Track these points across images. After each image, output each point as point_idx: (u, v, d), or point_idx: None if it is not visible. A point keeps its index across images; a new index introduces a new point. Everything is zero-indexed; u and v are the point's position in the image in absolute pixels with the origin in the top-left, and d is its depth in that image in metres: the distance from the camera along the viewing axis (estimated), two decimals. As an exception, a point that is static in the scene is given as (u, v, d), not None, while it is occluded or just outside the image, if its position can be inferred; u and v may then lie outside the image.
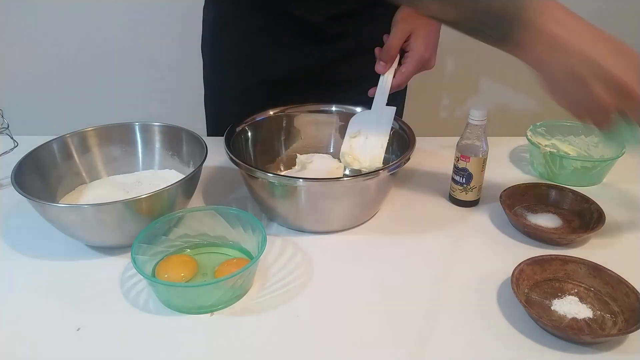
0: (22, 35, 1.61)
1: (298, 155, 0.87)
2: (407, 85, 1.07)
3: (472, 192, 0.80)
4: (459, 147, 0.78)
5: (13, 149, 0.86)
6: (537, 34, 0.56)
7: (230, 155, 0.73)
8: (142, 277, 0.60)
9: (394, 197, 0.83)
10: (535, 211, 0.79)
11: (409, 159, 0.73)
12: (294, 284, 0.65)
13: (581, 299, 0.62)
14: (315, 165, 0.83)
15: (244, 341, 0.57)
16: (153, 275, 0.64)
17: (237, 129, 0.81)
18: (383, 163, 0.84)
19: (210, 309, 0.61)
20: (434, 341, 0.57)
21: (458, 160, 0.78)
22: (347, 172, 0.87)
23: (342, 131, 0.88)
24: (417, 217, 0.79)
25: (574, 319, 0.59)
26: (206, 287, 0.61)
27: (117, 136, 0.83)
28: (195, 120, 1.09)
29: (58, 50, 1.63)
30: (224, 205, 0.79)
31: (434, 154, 0.95)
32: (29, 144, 0.77)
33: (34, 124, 1.33)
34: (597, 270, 0.64)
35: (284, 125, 0.88)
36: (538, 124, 0.95)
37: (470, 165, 0.77)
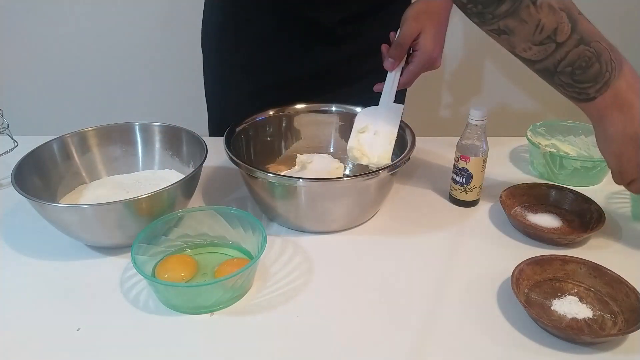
0: (22, 35, 1.61)
1: (298, 155, 0.87)
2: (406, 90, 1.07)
3: (472, 192, 0.80)
4: (459, 147, 0.78)
5: (13, 149, 0.86)
6: (612, 94, 0.61)
7: (230, 155, 0.73)
8: (142, 277, 0.60)
9: (394, 197, 0.83)
10: (535, 211, 0.79)
11: (409, 159, 0.73)
12: (294, 284, 0.65)
13: (581, 299, 0.62)
14: (315, 165, 0.83)
15: (243, 341, 0.57)
16: (153, 275, 0.64)
17: (237, 129, 0.81)
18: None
19: (210, 309, 0.61)
20: (434, 341, 0.57)
21: (458, 160, 0.78)
22: (347, 172, 0.87)
23: (342, 131, 0.89)
24: (417, 217, 0.79)
25: (574, 319, 0.59)
26: (206, 287, 0.61)
27: (117, 136, 0.83)
28: (196, 120, 1.09)
29: (58, 50, 1.63)
30: (224, 205, 0.79)
31: (434, 154, 0.95)
32: (29, 144, 0.77)
33: (34, 124, 1.33)
34: (597, 270, 0.64)
35: (284, 125, 0.88)
36: (538, 124, 0.95)
37: (470, 165, 0.77)
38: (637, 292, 0.59)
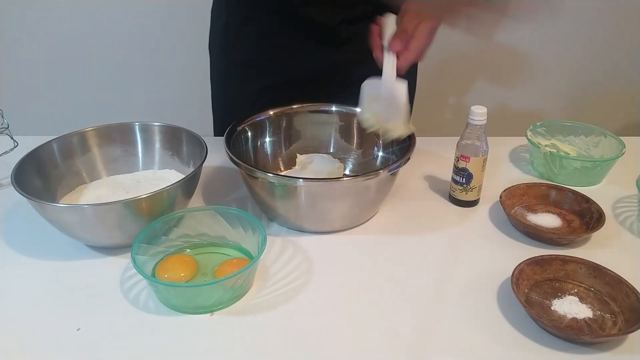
0: (22, 35, 1.61)
1: (298, 155, 0.87)
2: (415, 88, 1.07)
3: (472, 192, 0.80)
4: (459, 147, 0.78)
5: (13, 149, 0.86)
6: None
7: (230, 155, 0.73)
8: (142, 277, 0.60)
9: (394, 197, 0.83)
10: (535, 211, 0.79)
11: (409, 159, 0.73)
12: (294, 284, 0.65)
13: (581, 299, 0.62)
14: (315, 165, 0.83)
15: (243, 341, 0.57)
16: (153, 275, 0.64)
17: (237, 129, 0.81)
18: (382, 163, 0.85)
19: (210, 309, 0.61)
20: (434, 341, 0.57)
21: (458, 160, 0.78)
22: (347, 172, 0.87)
23: (342, 131, 0.89)
24: (417, 217, 0.79)
25: (574, 319, 0.59)
26: (206, 287, 0.61)
27: (117, 136, 0.83)
28: (196, 120, 1.09)
29: (58, 50, 1.63)
30: (224, 205, 0.79)
31: (434, 154, 0.95)
32: (29, 144, 0.77)
33: (34, 124, 1.33)
34: (597, 270, 0.64)
35: (284, 125, 0.88)
36: (538, 124, 0.95)
37: (470, 165, 0.77)
38: (637, 292, 0.59)
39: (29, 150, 0.75)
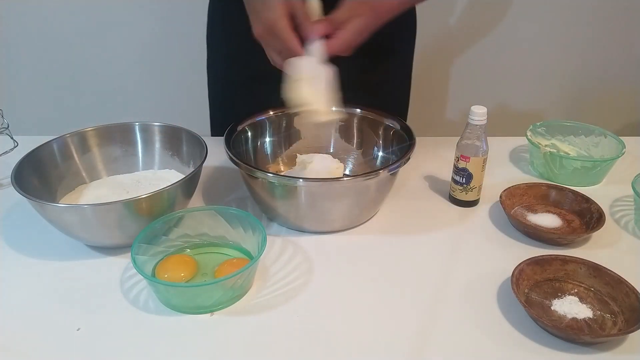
0: (22, 35, 1.61)
1: (298, 155, 0.87)
2: (410, 87, 1.07)
3: (472, 192, 0.80)
4: (459, 147, 0.78)
5: (13, 149, 0.86)
6: None
7: (230, 155, 0.73)
8: (142, 277, 0.60)
9: (394, 197, 0.83)
10: (535, 211, 0.79)
11: (409, 158, 0.73)
12: (294, 284, 0.65)
13: (581, 299, 0.62)
14: (316, 165, 0.83)
15: (244, 341, 0.57)
16: (153, 275, 0.64)
17: (237, 129, 0.81)
18: (382, 163, 0.85)
19: (210, 309, 0.61)
20: (434, 341, 0.57)
21: (458, 160, 0.78)
22: (347, 172, 0.87)
23: (342, 131, 0.89)
24: (417, 217, 0.79)
25: (574, 319, 0.59)
26: (206, 287, 0.61)
27: (117, 136, 0.83)
28: (196, 120, 1.09)
29: (58, 50, 1.63)
30: (224, 205, 0.79)
31: (434, 154, 0.95)
32: (29, 144, 0.77)
33: (34, 124, 1.33)
34: (597, 270, 0.64)
35: (284, 125, 0.88)
36: (538, 124, 0.95)
37: (470, 165, 0.77)
38: (637, 292, 0.59)
39: (29, 150, 0.75)
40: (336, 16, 0.75)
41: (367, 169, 0.85)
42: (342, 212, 0.74)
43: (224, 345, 0.57)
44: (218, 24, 0.98)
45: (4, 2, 1.54)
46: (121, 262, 0.68)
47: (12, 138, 0.87)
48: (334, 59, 0.92)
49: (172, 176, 0.82)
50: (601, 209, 0.75)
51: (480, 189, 0.81)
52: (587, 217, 0.77)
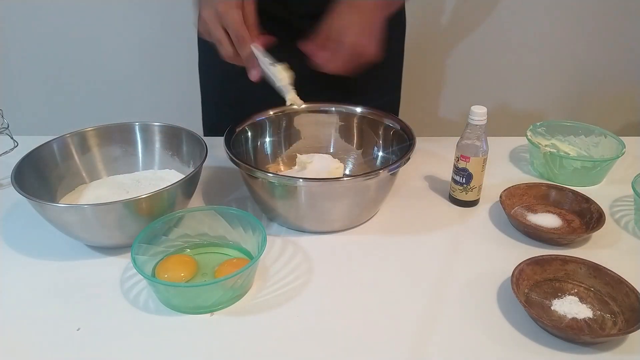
0: (22, 35, 1.61)
1: (298, 155, 0.87)
2: (401, 86, 1.07)
3: (472, 192, 0.80)
4: (459, 147, 0.78)
5: (13, 149, 0.86)
6: None
7: (230, 155, 0.73)
8: (142, 277, 0.60)
9: (394, 197, 0.83)
10: (535, 211, 0.79)
11: (409, 159, 0.73)
12: (294, 284, 0.65)
13: (581, 299, 0.62)
14: (315, 165, 0.83)
15: (244, 341, 0.57)
16: (153, 275, 0.64)
17: (237, 129, 0.81)
18: (382, 163, 0.85)
19: (210, 309, 0.61)
20: (434, 341, 0.57)
21: (458, 160, 0.78)
22: (347, 172, 0.87)
23: (342, 131, 0.89)
24: (417, 217, 0.79)
25: (574, 319, 0.59)
26: (206, 287, 0.61)
27: (117, 136, 0.83)
28: (196, 120, 1.09)
29: (58, 50, 1.63)
30: (224, 205, 0.79)
31: (434, 154, 0.95)
32: (29, 144, 0.77)
33: (34, 124, 1.33)
34: (597, 270, 0.64)
35: (284, 125, 0.88)
36: (538, 124, 0.95)
37: (470, 165, 0.77)
38: (637, 292, 0.59)
39: (29, 150, 0.75)
40: (330, 28, 0.77)
41: (367, 169, 0.85)
42: (342, 212, 0.74)
43: (224, 345, 0.57)
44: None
45: (4, 2, 1.54)
46: (121, 262, 0.68)
47: (12, 138, 0.87)
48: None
49: (172, 176, 0.82)
50: (601, 209, 0.75)
51: (480, 189, 0.81)
52: (587, 217, 0.77)
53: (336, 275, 0.67)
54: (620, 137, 0.89)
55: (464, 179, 0.79)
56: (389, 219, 0.79)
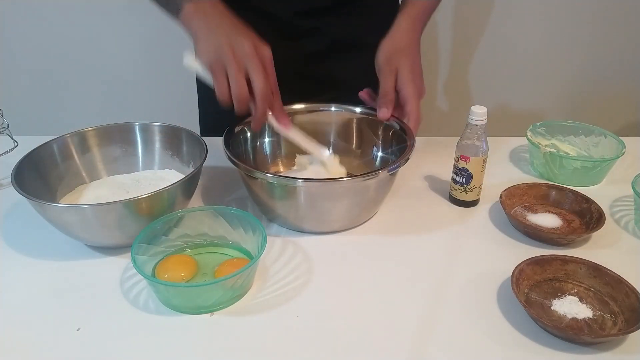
0: (22, 35, 1.61)
1: (297, 155, 0.87)
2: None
3: (472, 192, 0.80)
4: (459, 147, 0.78)
5: (13, 149, 0.86)
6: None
7: (229, 155, 0.73)
8: (142, 277, 0.60)
9: (393, 197, 0.83)
10: (535, 211, 0.79)
11: (408, 159, 0.73)
12: (294, 284, 0.65)
13: (581, 299, 0.62)
14: (315, 165, 0.83)
15: (244, 341, 0.57)
16: (153, 275, 0.64)
17: (236, 129, 0.81)
18: (382, 163, 0.85)
19: (210, 309, 0.61)
20: (434, 341, 0.57)
21: (458, 160, 0.78)
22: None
23: (342, 131, 0.89)
24: (417, 217, 0.79)
25: (574, 319, 0.59)
26: (206, 287, 0.61)
27: (117, 136, 0.83)
28: (196, 120, 1.09)
29: (58, 50, 1.63)
30: (224, 205, 0.79)
31: (434, 154, 0.95)
32: (29, 144, 0.77)
33: (34, 124, 1.33)
34: (597, 270, 0.64)
35: (284, 125, 0.88)
36: (538, 124, 0.95)
37: (470, 165, 0.77)
38: (637, 292, 0.59)
39: (29, 150, 0.75)
40: (385, 86, 0.79)
41: (366, 169, 0.85)
42: (342, 212, 0.74)
43: (224, 345, 0.57)
44: None
45: (4, 2, 1.54)
46: (121, 262, 0.68)
47: (12, 138, 0.87)
48: (315, 58, 0.92)
49: (172, 176, 0.82)
50: (601, 209, 0.75)
51: (480, 189, 0.81)
52: (587, 217, 0.77)
53: (336, 275, 0.67)
54: (620, 137, 0.89)
55: (464, 179, 0.79)
56: (389, 219, 0.79)
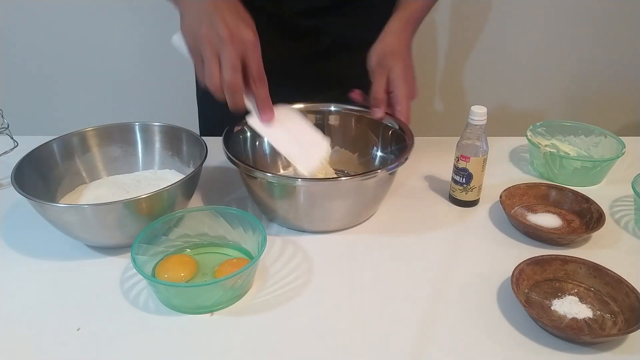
0: (22, 35, 1.61)
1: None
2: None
3: (472, 192, 0.80)
4: (459, 147, 0.78)
5: (13, 149, 0.86)
6: None
7: (229, 155, 0.73)
8: (142, 277, 0.60)
9: (393, 197, 0.83)
10: (535, 211, 0.79)
11: (407, 158, 0.73)
12: (294, 284, 0.65)
13: (581, 299, 0.62)
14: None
15: (244, 341, 0.57)
16: (153, 275, 0.64)
17: (236, 129, 0.81)
18: (381, 163, 0.85)
19: (210, 309, 0.61)
20: (434, 341, 0.57)
21: (458, 160, 0.78)
22: (346, 172, 0.87)
23: (341, 131, 0.88)
24: (417, 217, 0.79)
25: (574, 319, 0.59)
26: (206, 287, 0.61)
27: (117, 136, 0.83)
28: (196, 120, 1.09)
29: (58, 50, 1.63)
30: (224, 205, 0.79)
31: (434, 154, 0.95)
32: (29, 144, 0.77)
33: (34, 124, 1.33)
34: (597, 270, 0.64)
35: (284, 125, 0.88)
36: (538, 124, 0.95)
37: (470, 165, 0.77)
38: (637, 292, 0.59)
39: (29, 150, 0.75)
40: (377, 88, 0.80)
41: (366, 169, 0.85)
42: (342, 211, 0.74)
43: (224, 345, 0.57)
44: None
45: (4, 2, 1.54)
46: (121, 262, 0.68)
47: (12, 138, 0.87)
48: (315, 58, 0.92)
49: (172, 176, 0.82)
50: (601, 209, 0.75)
51: (480, 189, 0.81)
52: (587, 217, 0.77)
53: (336, 275, 0.67)
54: (620, 137, 0.89)
55: (464, 179, 0.79)
56: (389, 218, 0.79)
